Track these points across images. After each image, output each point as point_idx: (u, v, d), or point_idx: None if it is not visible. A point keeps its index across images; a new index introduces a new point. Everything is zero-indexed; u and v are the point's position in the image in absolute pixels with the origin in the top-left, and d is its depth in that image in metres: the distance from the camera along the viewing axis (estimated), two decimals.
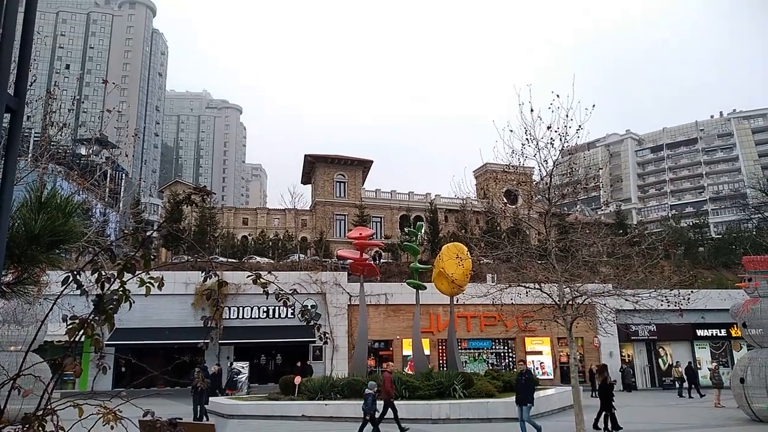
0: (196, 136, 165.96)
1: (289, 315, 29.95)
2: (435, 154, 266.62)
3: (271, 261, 45.44)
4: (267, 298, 4.07)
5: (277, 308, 30.27)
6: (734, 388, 18.97)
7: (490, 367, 30.64)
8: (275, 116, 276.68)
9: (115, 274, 3.77)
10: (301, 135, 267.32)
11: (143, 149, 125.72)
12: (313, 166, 65.60)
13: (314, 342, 29.91)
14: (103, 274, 3.68)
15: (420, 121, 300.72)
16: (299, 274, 32.31)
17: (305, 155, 64.89)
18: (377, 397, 15.39)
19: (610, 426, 15.92)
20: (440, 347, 31.75)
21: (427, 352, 29.53)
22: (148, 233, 4.25)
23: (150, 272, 3.83)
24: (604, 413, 16.24)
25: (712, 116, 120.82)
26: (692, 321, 33.04)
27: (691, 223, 73.60)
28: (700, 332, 34.77)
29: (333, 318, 30.77)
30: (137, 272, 3.77)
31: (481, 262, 28.11)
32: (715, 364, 31.00)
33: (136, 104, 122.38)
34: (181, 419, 3.94)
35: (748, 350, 20.56)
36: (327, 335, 4.60)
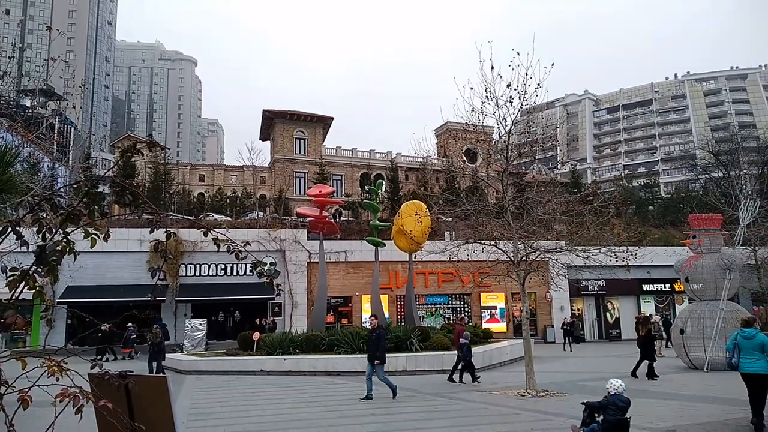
0: (149, 89, 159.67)
1: (248, 272, 29.91)
2: (397, 113, 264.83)
3: (229, 218, 44.85)
4: (218, 250, 4.00)
5: (235, 265, 30.07)
6: (674, 338, 20.08)
7: (447, 322, 31.46)
8: (232, 69, 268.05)
9: (58, 224, 3.63)
10: (259, 90, 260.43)
11: (93, 102, 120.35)
12: (272, 122, 64.28)
13: (273, 299, 29.98)
14: (45, 223, 3.54)
15: (384, 76, 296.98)
16: (258, 232, 32.06)
17: (264, 111, 63.43)
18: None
19: (647, 373, 16.42)
20: (399, 303, 32.31)
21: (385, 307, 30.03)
22: (93, 182, 4.09)
23: (99, 225, 3.71)
24: (645, 362, 16.70)
25: (667, 78, 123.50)
26: (639, 276, 34.59)
27: (642, 183, 75.98)
28: (646, 287, 36.44)
29: (292, 275, 30.80)
30: (81, 223, 3.64)
31: (440, 219, 28.43)
32: (658, 316, 32.61)
33: (84, 54, 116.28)
34: (132, 372, 3.90)
35: (689, 304, 21.66)
36: (280, 287, 4.59)
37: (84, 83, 66.98)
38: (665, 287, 36.56)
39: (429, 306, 34.02)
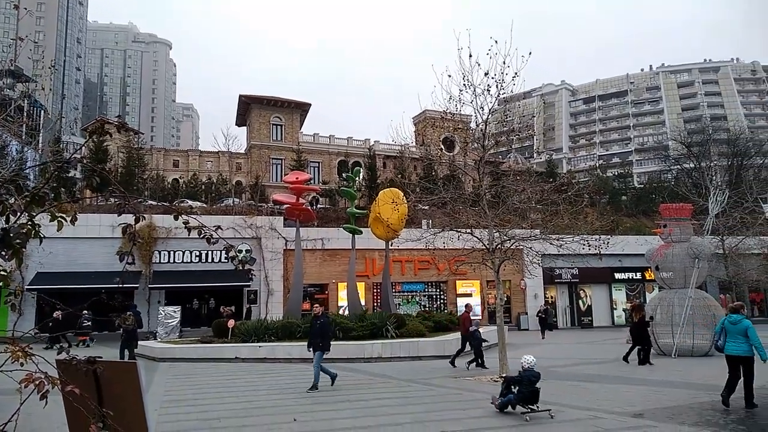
0: (122, 72, 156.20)
1: (223, 259, 29.64)
2: (376, 100, 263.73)
3: (204, 205, 44.35)
4: (189, 235, 3.96)
5: (210, 253, 29.80)
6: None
7: (422, 309, 31.69)
8: (207, 54, 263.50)
9: (23, 207, 3.54)
10: (235, 75, 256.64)
11: (63, 84, 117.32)
12: (249, 108, 63.51)
13: (249, 286, 29.81)
14: (8, 206, 3.45)
15: (363, 64, 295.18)
16: (234, 218, 31.77)
17: (240, 96, 62.62)
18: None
19: (641, 358, 16.70)
20: (375, 290, 32.42)
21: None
22: (59, 164, 4.01)
23: (66, 208, 3.62)
24: (638, 348, 17.01)
25: (642, 69, 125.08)
26: (611, 265, 35.24)
27: (616, 173, 77.15)
28: (617, 275, 37.16)
29: (268, 263, 30.64)
30: (47, 206, 3.55)
31: (417, 207, 28.50)
32: (629, 304, 33.30)
33: (54, 35, 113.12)
34: (101, 358, 3.85)
35: (659, 292, 22.14)
36: (253, 272, 4.59)
37: (54, 65, 65.25)
38: (636, 276, 37.33)
39: (405, 293, 34.20)
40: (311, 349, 13.05)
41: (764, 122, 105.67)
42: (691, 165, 59.75)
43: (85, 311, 24.29)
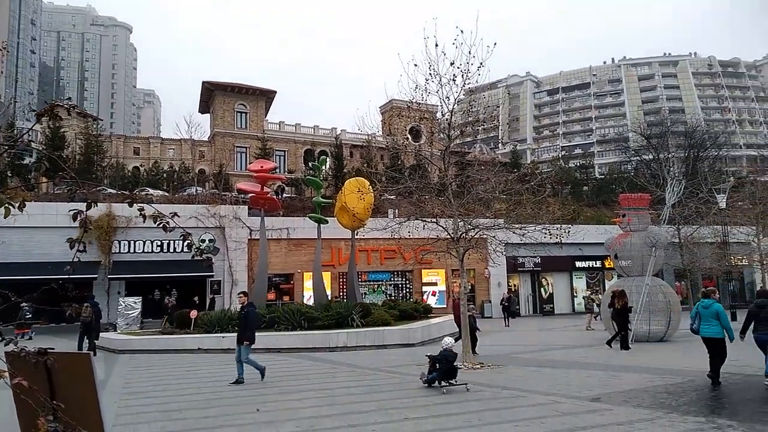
0: (79, 55, 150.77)
1: (185, 249, 29.11)
2: (343, 89, 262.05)
3: (166, 193, 43.45)
4: (144, 221, 3.87)
5: (171, 242, 29.24)
6: (603, 312, 21.09)
7: (388, 298, 31.83)
8: (170, 38, 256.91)
9: None
10: (200, 62, 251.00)
11: (17, 67, 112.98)
12: (212, 95, 62.25)
13: (212, 276, 29.40)
14: None
15: (330, 52, 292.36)
16: (196, 208, 31.21)
17: (203, 82, 61.29)
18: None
19: (620, 346, 17.23)
20: (341, 280, 32.37)
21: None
22: (6, 146, 3.86)
23: (13, 194, 3.48)
24: (623, 333, 17.46)
25: (605, 62, 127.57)
26: (572, 254, 36.05)
27: (578, 164, 78.70)
28: (578, 264, 38.03)
29: (232, 252, 30.25)
30: None
31: (383, 197, 28.55)
32: (588, 292, 34.17)
33: (6, 15, 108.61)
34: (53, 349, 3.73)
35: (618, 279, 22.73)
36: (211, 259, 4.48)
37: (6, 47, 62.65)
38: (596, 264, 38.25)
39: (371, 283, 34.28)
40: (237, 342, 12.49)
41: (719, 116, 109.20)
42: (650, 156, 61.37)
43: (25, 303, 23.21)
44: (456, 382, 10.93)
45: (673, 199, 23.91)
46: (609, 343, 17.78)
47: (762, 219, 33.29)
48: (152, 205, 3.46)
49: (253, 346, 12.01)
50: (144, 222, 3.84)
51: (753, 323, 10.70)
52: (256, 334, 13.02)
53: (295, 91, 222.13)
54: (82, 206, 3.54)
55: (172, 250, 29.43)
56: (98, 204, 3.60)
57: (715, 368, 10.75)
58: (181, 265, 28.64)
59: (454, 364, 11.12)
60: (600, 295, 28.55)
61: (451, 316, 25.69)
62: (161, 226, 3.87)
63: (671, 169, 40.61)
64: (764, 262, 34.17)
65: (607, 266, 36.42)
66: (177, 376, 13.85)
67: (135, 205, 3.78)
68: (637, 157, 66.86)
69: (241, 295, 13.71)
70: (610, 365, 14.15)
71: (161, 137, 68.72)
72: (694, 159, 60.13)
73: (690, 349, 16.95)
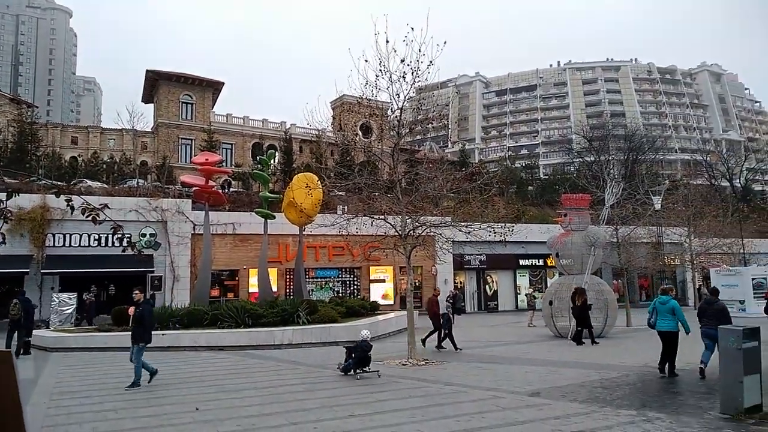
0: (14, 38, 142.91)
1: (125, 244, 28.07)
2: (295, 84, 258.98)
3: (106, 185, 41.71)
4: (72, 213, 3.66)
5: (110, 236, 28.08)
6: (544, 309, 21.69)
7: (336, 295, 31.70)
8: (114, 27, 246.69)
9: None
10: (145, 50, 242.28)
11: None
12: (156, 84, 60.24)
13: (153, 272, 28.49)
14: None
15: (282, 46, 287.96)
16: (137, 200, 30.14)
17: (147, 71, 59.23)
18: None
19: (592, 341, 17.83)
20: (288, 276, 31.99)
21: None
22: None
23: None
24: (579, 329, 18.01)
25: (551, 65, 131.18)
26: (516, 252, 36.90)
27: (524, 164, 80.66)
28: (522, 262, 38.96)
29: (175, 247, 29.36)
30: None
31: (331, 193, 28.35)
32: (531, 289, 35.09)
33: None
34: None
35: (559, 277, 23.42)
36: (138, 250, 4.31)
37: None
38: (539, 262, 39.29)
39: (319, 279, 34.03)
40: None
41: (657, 120, 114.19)
42: (592, 158, 63.52)
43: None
44: (369, 369, 12.13)
45: (612, 200, 24.82)
46: (575, 339, 18.22)
47: (694, 221, 35.08)
48: (82, 196, 3.30)
49: (196, 344, 11.65)
50: (72, 214, 3.65)
51: (700, 318, 11.48)
52: (202, 331, 12.69)
53: (244, 84, 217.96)
54: (2, 196, 3.33)
55: (110, 244, 28.27)
56: (30, 195, 3.38)
57: (670, 361, 11.58)
58: (120, 259, 27.47)
59: (369, 354, 12.28)
60: (541, 293, 29.37)
61: (400, 313, 25.91)
62: (90, 218, 3.68)
63: (611, 171, 42.10)
64: (695, 262, 36.05)
65: (549, 264, 37.46)
66: (113, 374, 13.32)
67: (62, 196, 3.58)
68: (580, 159, 69.08)
69: (137, 291, 12.51)
70: (549, 361, 14.56)
71: (101, 127, 65.94)
72: (633, 162, 62.59)
73: (626, 345, 17.69)
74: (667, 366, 11.67)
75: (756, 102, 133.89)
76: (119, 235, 3.48)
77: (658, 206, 33.22)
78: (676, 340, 11.65)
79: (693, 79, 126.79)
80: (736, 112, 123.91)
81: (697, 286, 36.96)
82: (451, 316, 18.01)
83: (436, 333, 17.91)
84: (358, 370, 12.06)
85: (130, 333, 12.27)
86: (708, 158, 78.94)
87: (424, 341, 17.71)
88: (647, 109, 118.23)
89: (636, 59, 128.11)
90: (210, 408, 9.27)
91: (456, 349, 17.01)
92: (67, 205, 3.30)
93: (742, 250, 38.75)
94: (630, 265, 31.87)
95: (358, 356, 12.10)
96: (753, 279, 30.80)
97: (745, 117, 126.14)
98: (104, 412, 9.20)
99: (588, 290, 19.89)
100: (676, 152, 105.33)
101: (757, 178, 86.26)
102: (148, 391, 10.97)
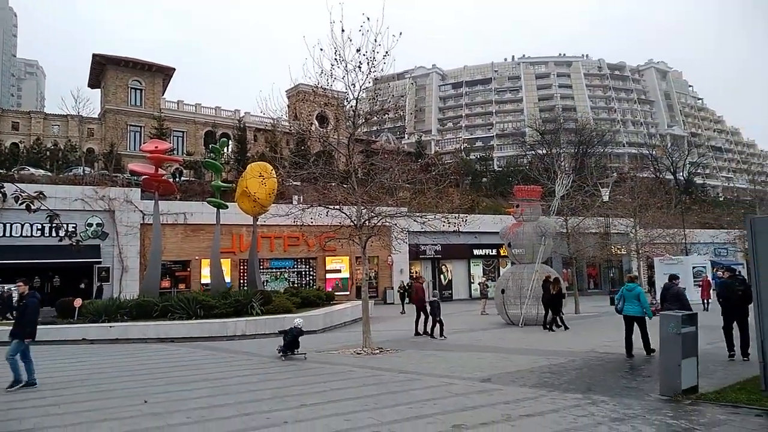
0: None
1: (75, 235, 27.06)
2: (250, 71, 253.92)
3: (49, 173, 40.05)
4: (5, 201, 3.48)
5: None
6: (496, 297, 22.14)
7: (291, 285, 31.47)
8: (59, 6, 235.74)
9: None
10: (92, 32, 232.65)
11: None
12: (104, 69, 58.02)
13: (100, 263, 27.58)
14: None
15: (238, 33, 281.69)
16: (83, 189, 29.07)
17: (94, 55, 56.97)
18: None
19: (560, 326, 18.55)
20: (242, 267, 31.54)
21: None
22: None
23: None
24: (552, 316, 18.65)
25: (505, 59, 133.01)
26: (470, 242, 37.49)
27: (479, 156, 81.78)
28: (476, 251, 39.62)
29: (123, 237, 28.49)
30: None
31: (286, 183, 28.03)
32: (484, 278, 35.69)
33: None
34: None
35: (511, 267, 23.91)
36: (75, 238, 4.16)
37: None
38: (492, 252, 40.05)
39: (274, 270, 33.70)
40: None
41: (606, 115, 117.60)
42: (544, 151, 64.96)
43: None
44: (297, 352, 13.54)
45: (562, 192, 25.44)
46: (544, 326, 18.75)
47: (639, 212, 36.36)
48: (19, 184, 3.15)
49: (145, 336, 11.27)
50: (4, 202, 3.47)
51: (662, 302, 12.59)
52: (151, 323, 12.35)
53: (197, 73, 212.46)
54: None
55: (55, 234, 27.19)
56: None
57: (645, 342, 12.50)
58: (65, 250, 26.46)
59: (298, 338, 13.76)
60: (494, 282, 29.92)
61: (355, 302, 25.94)
62: (24, 206, 3.52)
63: (562, 163, 43.19)
64: (640, 252, 37.42)
65: (502, 254, 38.19)
66: (57, 368, 12.85)
67: None
68: (532, 152, 70.54)
69: (21, 282, 11.32)
70: (501, 348, 14.87)
71: (45, 112, 63.10)
72: (583, 155, 64.33)
73: (574, 332, 18.23)
74: (631, 348, 12.58)
75: (698, 99, 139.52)
76: (56, 224, 3.32)
77: (606, 198, 34.25)
78: (643, 322, 12.60)
79: (641, 75, 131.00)
80: (680, 108, 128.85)
81: (640, 275, 38.44)
82: (439, 303, 18.23)
83: (425, 320, 18.24)
84: (288, 352, 13.45)
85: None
86: (653, 152, 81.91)
87: (417, 330, 18.17)
88: (597, 104, 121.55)
89: (587, 55, 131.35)
90: (158, 401, 9.05)
91: (441, 336, 17.29)
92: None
93: (684, 240, 40.48)
94: (579, 255, 32.81)
95: (287, 340, 13.52)
96: (693, 267, 32.28)
97: (689, 113, 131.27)
98: (46, 407, 8.86)
99: (539, 279, 20.41)
100: (624, 146, 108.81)
101: (698, 171, 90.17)
102: (92, 385, 10.63)
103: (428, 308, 18.05)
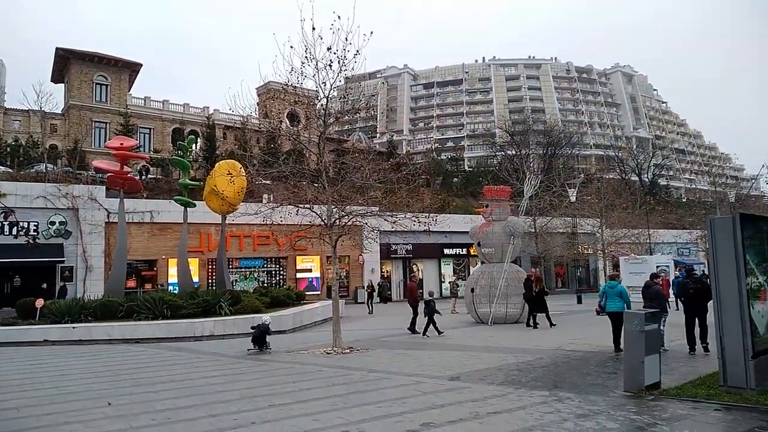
0: None
1: (32, 232, 26.31)
2: (219, 68, 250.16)
3: (10, 170, 38.81)
4: None
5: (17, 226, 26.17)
6: (466, 296, 22.32)
7: (260, 285, 31.18)
8: None
9: None
10: (55, 25, 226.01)
11: None
12: (68, 63, 56.49)
13: (63, 262, 26.87)
14: None
15: (208, 34, 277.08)
16: (46, 186, 28.27)
17: (57, 48, 55.41)
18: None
19: (534, 323, 18.82)
20: (210, 267, 31.12)
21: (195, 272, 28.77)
22: None
23: None
24: (534, 314, 18.91)
25: (476, 60, 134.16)
26: (440, 241, 37.74)
27: (449, 156, 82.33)
28: (446, 251, 39.89)
29: (87, 236, 27.79)
30: None
31: (256, 181, 27.73)
32: (455, 277, 36.00)
33: None
34: None
35: (480, 266, 24.14)
36: (33, 236, 4.03)
37: None
38: (462, 251, 40.38)
39: (243, 270, 33.35)
40: None
41: (574, 117, 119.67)
42: (513, 152, 65.77)
43: None
44: (266, 348, 14.68)
45: (530, 192, 25.86)
46: (527, 323, 19.10)
47: (605, 212, 37.15)
48: None
49: (109, 337, 10.99)
50: None
51: (643, 299, 13.20)
52: (116, 323, 12.08)
53: (166, 70, 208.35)
54: None
55: (15, 233, 26.37)
56: None
57: (614, 339, 12.82)
58: (26, 249, 25.76)
59: (266, 333, 14.93)
60: (464, 281, 30.19)
61: (326, 302, 25.86)
62: None
63: (530, 164, 43.83)
64: (606, 251, 38.23)
65: (472, 253, 38.54)
66: (17, 370, 12.47)
67: None
68: (502, 152, 71.33)
69: None
70: (470, 346, 15.00)
71: (5, 107, 61.06)
72: (551, 156, 65.32)
73: (541, 330, 18.50)
74: (619, 343, 12.72)
75: (663, 102, 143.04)
76: (10, 222, 3.20)
77: (573, 198, 34.88)
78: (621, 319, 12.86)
79: (607, 79, 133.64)
80: (646, 111, 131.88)
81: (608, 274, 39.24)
82: (434, 302, 18.26)
83: (418, 318, 18.39)
84: (256, 346, 14.56)
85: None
86: (619, 154, 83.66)
87: (412, 328, 18.29)
88: (565, 106, 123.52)
89: (556, 58, 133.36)
90: (123, 402, 8.86)
91: (426, 333, 17.41)
92: None
93: (648, 240, 41.50)
94: (547, 254, 33.45)
95: (254, 335, 14.70)
96: (657, 266, 33.04)
97: (653, 116, 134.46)
98: (5, 410, 8.59)
99: (508, 278, 20.67)
100: (591, 148, 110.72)
101: (662, 173, 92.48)
102: (54, 387, 10.35)
103: (423, 307, 18.20)
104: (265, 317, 15.58)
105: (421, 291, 38.62)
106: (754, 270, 8.77)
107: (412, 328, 18.24)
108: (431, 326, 17.77)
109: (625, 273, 25.13)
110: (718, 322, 8.62)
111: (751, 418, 7.17)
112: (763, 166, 32.81)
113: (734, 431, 6.76)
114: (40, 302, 19.54)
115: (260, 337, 14.64)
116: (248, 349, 14.63)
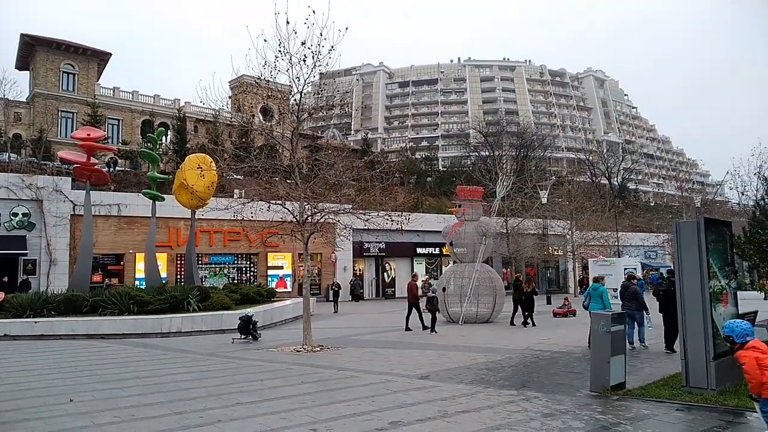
0: None
1: None
2: (192, 62, 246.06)
3: None
4: None
5: None
6: (438, 295, 22.37)
7: (231, 282, 30.80)
8: None
9: None
10: (21, 10, 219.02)
11: None
12: (33, 50, 54.85)
13: (26, 255, 26.11)
14: None
15: (179, 25, 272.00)
16: (8, 176, 27.42)
17: (22, 35, 53.77)
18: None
19: (530, 323, 19.39)
20: (179, 262, 30.60)
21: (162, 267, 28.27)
22: None
23: None
24: (525, 313, 19.47)
25: (452, 60, 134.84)
26: (413, 240, 37.83)
27: (424, 156, 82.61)
28: (419, 250, 39.99)
29: (51, 228, 27.04)
30: None
31: (227, 176, 27.36)
32: (427, 276, 36.11)
33: None
34: None
35: (453, 265, 24.26)
36: None
37: None
38: (435, 251, 40.53)
39: (213, 266, 32.87)
40: None
41: (546, 120, 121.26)
42: (486, 153, 66.30)
43: None
44: (246, 337, 16.10)
45: (503, 193, 26.07)
46: (531, 323, 19.45)
47: (576, 215, 37.76)
48: None
49: (73, 332, 10.66)
50: None
51: (621, 300, 14.00)
52: (80, 318, 11.76)
53: (137, 61, 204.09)
54: None
55: None
56: None
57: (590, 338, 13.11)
58: None
59: (248, 323, 16.25)
60: (436, 280, 30.32)
61: (297, 299, 25.67)
62: None
63: (503, 165, 44.21)
64: (576, 253, 38.85)
65: (444, 253, 38.72)
66: None
67: None
68: (476, 153, 71.86)
69: None
70: (440, 345, 15.06)
71: None
72: (523, 158, 66.05)
73: (511, 330, 18.69)
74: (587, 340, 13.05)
75: (633, 107, 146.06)
76: None
77: (544, 200, 35.32)
78: None
79: (580, 83, 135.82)
80: (616, 115, 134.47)
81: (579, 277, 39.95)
82: (437, 299, 18.66)
83: (411, 314, 18.62)
84: (243, 336, 16.13)
85: None
86: (590, 157, 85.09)
87: (408, 326, 18.48)
88: (538, 109, 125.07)
89: (530, 61, 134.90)
90: (86, 399, 8.65)
91: (433, 330, 17.76)
92: None
93: (616, 243, 42.33)
94: (518, 255, 33.78)
95: (239, 325, 16.16)
96: (625, 269, 33.71)
97: (624, 120, 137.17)
98: None
99: (479, 277, 20.82)
100: (563, 150, 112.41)
101: (631, 177, 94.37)
102: (14, 383, 10.04)
103: (424, 304, 18.62)
104: (250, 310, 17.53)
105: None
106: (716, 273, 8.99)
107: (422, 328, 18.35)
108: (424, 322, 18.13)
109: (596, 274, 25.55)
110: (682, 324, 8.81)
111: (711, 418, 7.34)
112: (727, 173, 33.70)
113: (695, 430, 6.91)
114: (0, 296, 18.95)
115: (245, 327, 16.06)
116: (233, 339, 16.15)
